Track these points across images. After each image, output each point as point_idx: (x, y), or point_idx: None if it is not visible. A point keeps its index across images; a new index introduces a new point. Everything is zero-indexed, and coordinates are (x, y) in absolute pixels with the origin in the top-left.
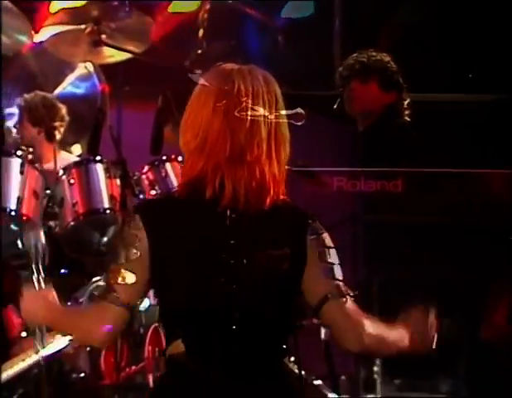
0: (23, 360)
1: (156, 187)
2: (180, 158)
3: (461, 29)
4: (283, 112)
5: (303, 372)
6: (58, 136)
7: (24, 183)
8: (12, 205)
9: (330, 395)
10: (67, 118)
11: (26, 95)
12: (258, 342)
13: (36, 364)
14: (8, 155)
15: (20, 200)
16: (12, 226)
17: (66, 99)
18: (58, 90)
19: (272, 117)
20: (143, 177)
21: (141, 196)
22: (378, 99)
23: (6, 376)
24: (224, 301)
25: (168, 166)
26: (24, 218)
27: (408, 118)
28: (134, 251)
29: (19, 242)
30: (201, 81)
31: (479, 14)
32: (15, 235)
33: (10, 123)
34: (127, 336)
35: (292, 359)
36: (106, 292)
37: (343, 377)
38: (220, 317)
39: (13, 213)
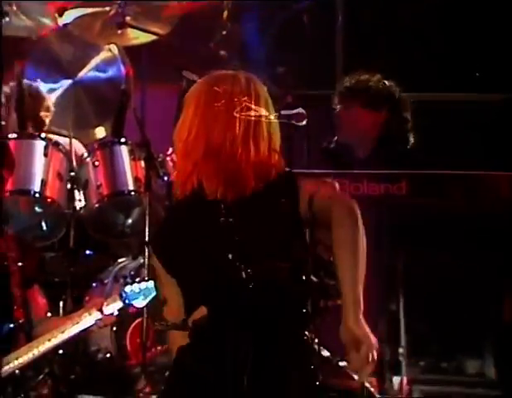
0: (49, 340)
1: None
2: None
3: (469, 27)
4: (265, 109)
5: (328, 353)
6: (45, 127)
7: (48, 165)
8: (36, 187)
9: (355, 376)
10: (53, 109)
11: (11, 83)
12: (273, 300)
13: (62, 344)
14: (32, 137)
15: (44, 182)
16: (37, 209)
17: (90, 81)
18: (82, 73)
19: (251, 114)
20: (168, 158)
21: (165, 178)
22: (365, 120)
23: (32, 355)
24: (234, 270)
25: None
26: (48, 200)
27: (410, 137)
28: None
29: (43, 224)
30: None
31: (488, 12)
32: (39, 217)
33: None
34: (152, 316)
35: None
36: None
37: None
38: (234, 282)
39: (37, 195)
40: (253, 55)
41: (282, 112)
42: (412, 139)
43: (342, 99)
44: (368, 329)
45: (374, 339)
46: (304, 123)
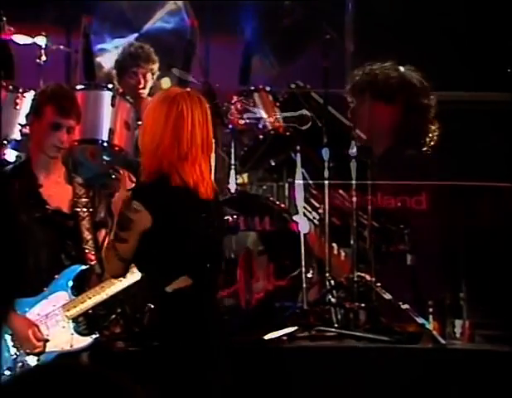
0: (120, 281)
1: (245, 116)
2: (268, 88)
3: (490, 22)
4: (212, 132)
5: (390, 296)
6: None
7: (115, 115)
8: (104, 136)
9: (417, 319)
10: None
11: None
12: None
13: (133, 285)
14: (99, 88)
15: (112, 131)
16: (105, 157)
17: (156, 33)
18: (148, 25)
19: (205, 129)
20: (232, 107)
21: (230, 126)
22: (378, 114)
23: (105, 295)
24: (206, 251)
25: (256, 96)
26: (116, 149)
27: (432, 131)
28: (129, 231)
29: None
30: (154, 101)
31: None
32: (107, 165)
33: (100, 59)
34: None
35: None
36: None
37: (430, 302)
38: (204, 262)
39: (105, 144)
40: None
41: (285, 114)
42: (434, 135)
43: (353, 95)
44: None
45: None
46: (308, 125)
